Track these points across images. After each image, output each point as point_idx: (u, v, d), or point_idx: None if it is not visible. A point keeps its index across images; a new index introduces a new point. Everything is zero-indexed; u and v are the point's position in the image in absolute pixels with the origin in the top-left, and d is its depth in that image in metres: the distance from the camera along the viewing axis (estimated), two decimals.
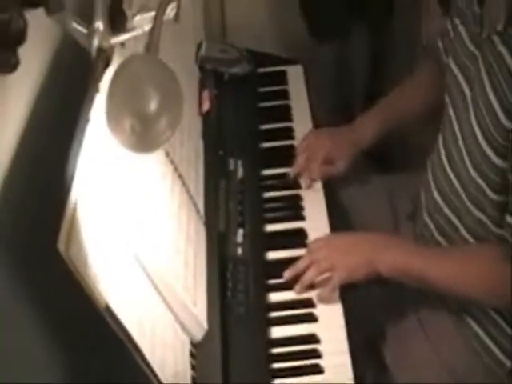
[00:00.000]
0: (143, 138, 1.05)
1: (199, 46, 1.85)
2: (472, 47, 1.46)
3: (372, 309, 1.47)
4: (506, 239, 1.37)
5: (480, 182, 1.43)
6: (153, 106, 1.04)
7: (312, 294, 1.49)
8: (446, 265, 1.48)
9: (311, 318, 1.45)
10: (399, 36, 2.52)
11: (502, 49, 1.33)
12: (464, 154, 1.46)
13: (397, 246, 1.54)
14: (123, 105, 1.05)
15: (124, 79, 1.07)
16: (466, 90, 1.46)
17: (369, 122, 1.82)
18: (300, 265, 1.51)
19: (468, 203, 1.49)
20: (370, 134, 1.80)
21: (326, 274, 1.50)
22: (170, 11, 1.28)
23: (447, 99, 1.56)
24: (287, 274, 1.51)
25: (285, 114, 1.87)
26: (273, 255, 1.55)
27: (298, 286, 1.50)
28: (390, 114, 1.82)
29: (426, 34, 2.22)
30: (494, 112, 1.34)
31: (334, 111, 2.64)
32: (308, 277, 1.50)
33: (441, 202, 1.58)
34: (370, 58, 2.64)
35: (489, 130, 1.36)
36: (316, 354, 1.39)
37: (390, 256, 1.49)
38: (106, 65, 1.19)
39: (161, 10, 1.16)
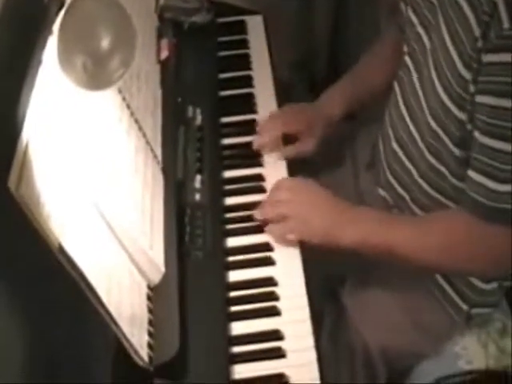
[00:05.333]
0: (95, 76, 1.05)
1: None
2: None
3: (332, 252, 1.48)
4: (473, 198, 1.34)
5: (440, 133, 1.43)
6: (105, 43, 1.04)
7: (269, 238, 1.49)
8: (418, 236, 1.42)
9: (269, 262, 1.46)
10: None
11: None
12: (424, 105, 1.46)
13: (362, 220, 1.47)
14: (75, 42, 1.04)
15: (75, 17, 1.06)
16: (426, 41, 1.46)
17: (337, 95, 1.75)
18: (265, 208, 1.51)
19: (427, 154, 1.49)
20: (339, 108, 1.73)
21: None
22: None
23: (405, 49, 1.56)
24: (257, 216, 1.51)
25: (244, 62, 1.85)
26: (231, 201, 1.55)
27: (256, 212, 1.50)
28: (358, 87, 1.76)
29: None
30: (452, 63, 1.33)
31: (294, 64, 2.64)
32: (266, 213, 1.49)
33: (399, 152, 1.58)
34: (333, 12, 2.63)
35: (448, 81, 1.36)
36: (273, 297, 1.40)
37: (354, 231, 1.44)
38: (60, 7, 1.18)
39: None
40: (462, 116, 1.36)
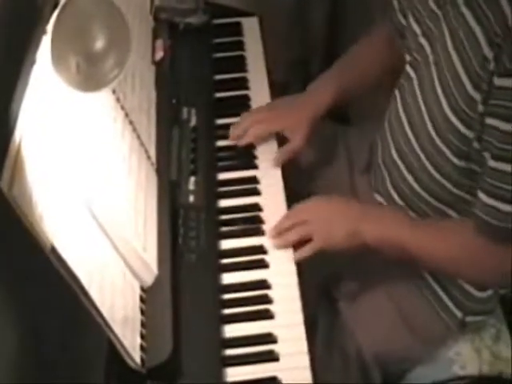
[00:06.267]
0: (89, 77, 1.04)
1: None
2: (434, 7, 1.41)
3: (327, 255, 1.47)
4: (484, 220, 1.33)
5: (441, 144, 1.41)
6: (99, 44, 1.03)
7: (263, 241, 1.49)
8: (430, 240, 1.44)
9: (262, 264, 1.45)
10: None
11: (465, 10, 1.29)
12: (425, 115, 1.43)
13: (380, 216, 1.50)
14: (68, 42, 1.03)
15: (69, 17, 1.05)
16: (429, 52, 1.43)
17: (325, 85, 1.73)
18: (284, 224, 1.50)
19: (426, 163, 1.47)
20: (329, 96, 1.70)
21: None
22: None
23: (407, 58, 1.54)
24: (271, 234, 1.50)
25: (239, 64, 1.85)
26: (224, 203, 1.55)
27: (277, 241, 1.49)
28: (347, 76, 1.73)
29: None
30: (460, 81, 1.30)
31: (291, 64, 2.63)
32: (289, 239, 1.49)
33: (398, 160, 1.57)
34: (330, 11, 2.62)
35: (455, 99, 1.33)
36: (267, 300, 1.40)
37: (374, 226, 1.46)
38: (54, 7, 1.17)
39: None
40: (467, 132, 1.34)
